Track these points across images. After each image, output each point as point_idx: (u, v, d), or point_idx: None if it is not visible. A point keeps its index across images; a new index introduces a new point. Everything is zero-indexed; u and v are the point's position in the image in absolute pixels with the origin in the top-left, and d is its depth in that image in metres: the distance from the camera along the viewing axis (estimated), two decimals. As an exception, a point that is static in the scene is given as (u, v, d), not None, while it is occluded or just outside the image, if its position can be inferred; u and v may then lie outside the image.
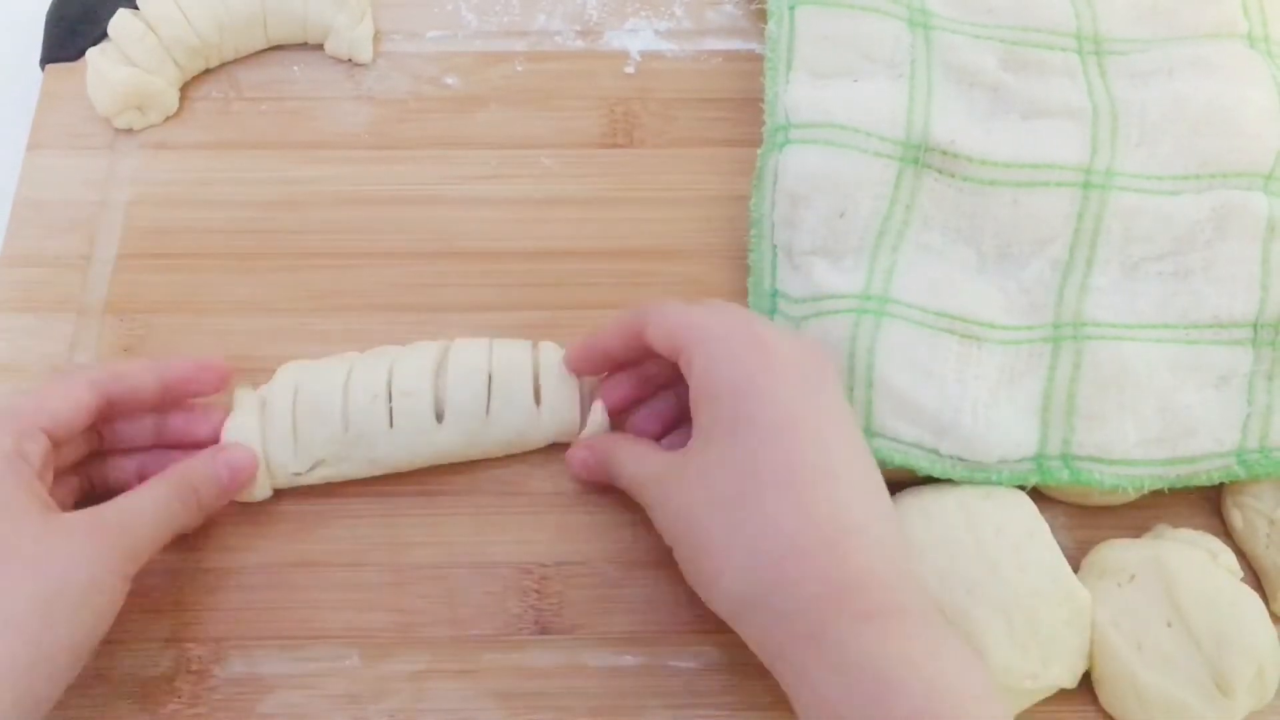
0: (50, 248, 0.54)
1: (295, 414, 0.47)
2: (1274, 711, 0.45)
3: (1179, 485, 0.47)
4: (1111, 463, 0.46)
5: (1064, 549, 0.45)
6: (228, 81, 0.58)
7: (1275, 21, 0.55)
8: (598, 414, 0.48)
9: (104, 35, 0.56)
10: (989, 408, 0.47)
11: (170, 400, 0.47)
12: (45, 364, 0.51)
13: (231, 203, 0.55)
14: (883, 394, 0.47)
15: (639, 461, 0.45)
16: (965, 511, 0.45)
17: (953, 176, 0.51)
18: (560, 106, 0.58)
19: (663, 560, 0.46)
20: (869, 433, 0.47)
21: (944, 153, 0.51)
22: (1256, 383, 0.48)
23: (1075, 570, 0.46)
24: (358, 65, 0.59)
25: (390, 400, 0.47)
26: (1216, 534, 0.47)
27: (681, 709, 0.45)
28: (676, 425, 0.48)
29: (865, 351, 0.47)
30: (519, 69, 0.59)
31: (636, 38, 0.60)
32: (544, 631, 0.47)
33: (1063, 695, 0.45)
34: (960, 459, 0.46)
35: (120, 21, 0.55)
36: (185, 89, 0.58)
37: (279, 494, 0.48)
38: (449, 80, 0.58)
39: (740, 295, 0.53)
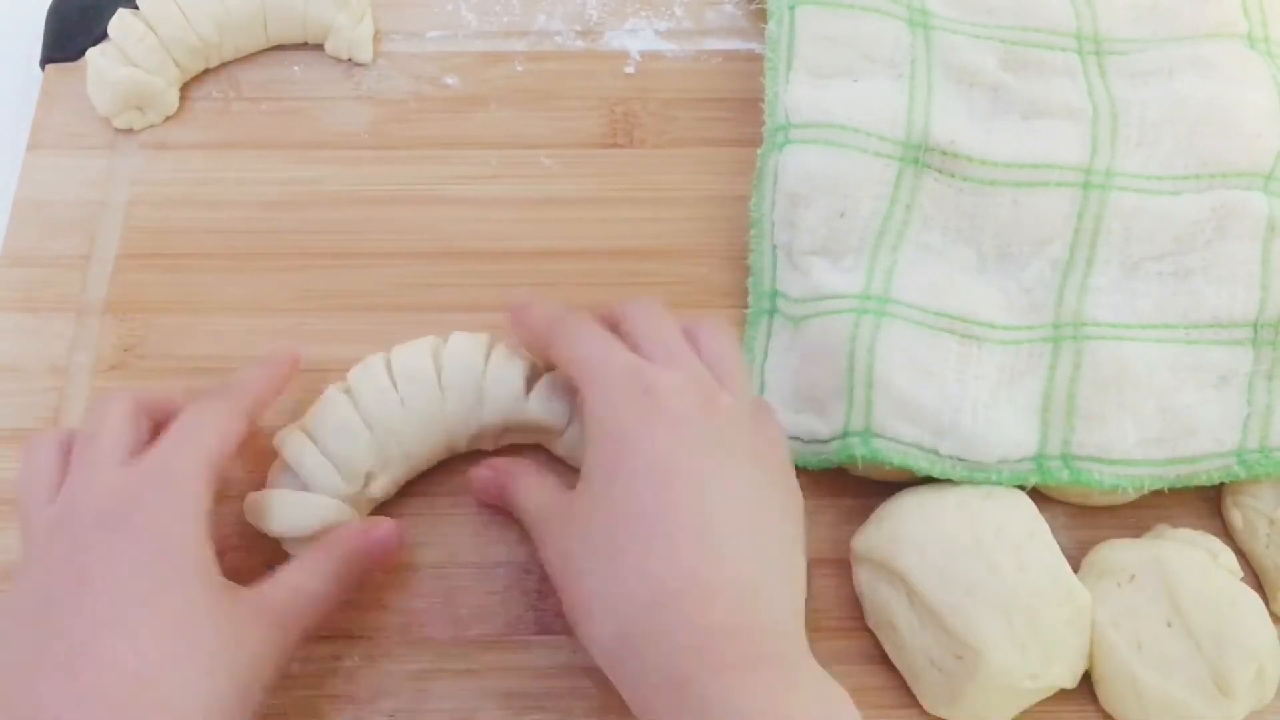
0: (50, 248, 0.54)
1: (322, 442, 0.46)
2: (1274, 711, 0.45)
3: (1179, 485, 0.47)
4: (1111, 463, 0.46)
5: (1064, 549, 0.45)
6: (228, 81, 0.58)
7: (1275, 21, 0.55)
8: (514, 383, 0.47)
9: (104, 35, 0.56)
10: (989, 408, 0.47)
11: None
12: (45, 364, 0.51)
13: (231, 203, 0.55)
14: (883, 394, 0.47)
15: (531, 495, 0.45)
16: (965, 511, 0.45)
17: (953, 176, 0.51)
18: (560, 106, 0.58)
19: (663, 560, 0.46)
20: (869, 433, 0.47)
21: (944, 153, 0.51)
22: (1256, 383, 0.48)
23: (1075, 570, 0.46)
24: (358, 65, 0.59)
25: (397, 389, 0.47)
26: (1216, 534, 0.47)
27: (681, 709, 0.45)
28: None
29: (865, 351, 0.47)
30: (519, 69, 0.59)
31: (636, 38, 0.60)
32: (544, 631, 0.47)
33: (1063, 695, 0.45)
34: (960, 459, 0.46)
35: (120, 21, 0.55)
36: (185, 89, 0.58)
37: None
38: (449, 80, 0.58)
39: (740, 295, 0.53)
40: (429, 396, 0.46)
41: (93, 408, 0.47)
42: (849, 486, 0.49)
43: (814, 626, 0.47)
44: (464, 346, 0.48)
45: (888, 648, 0.46)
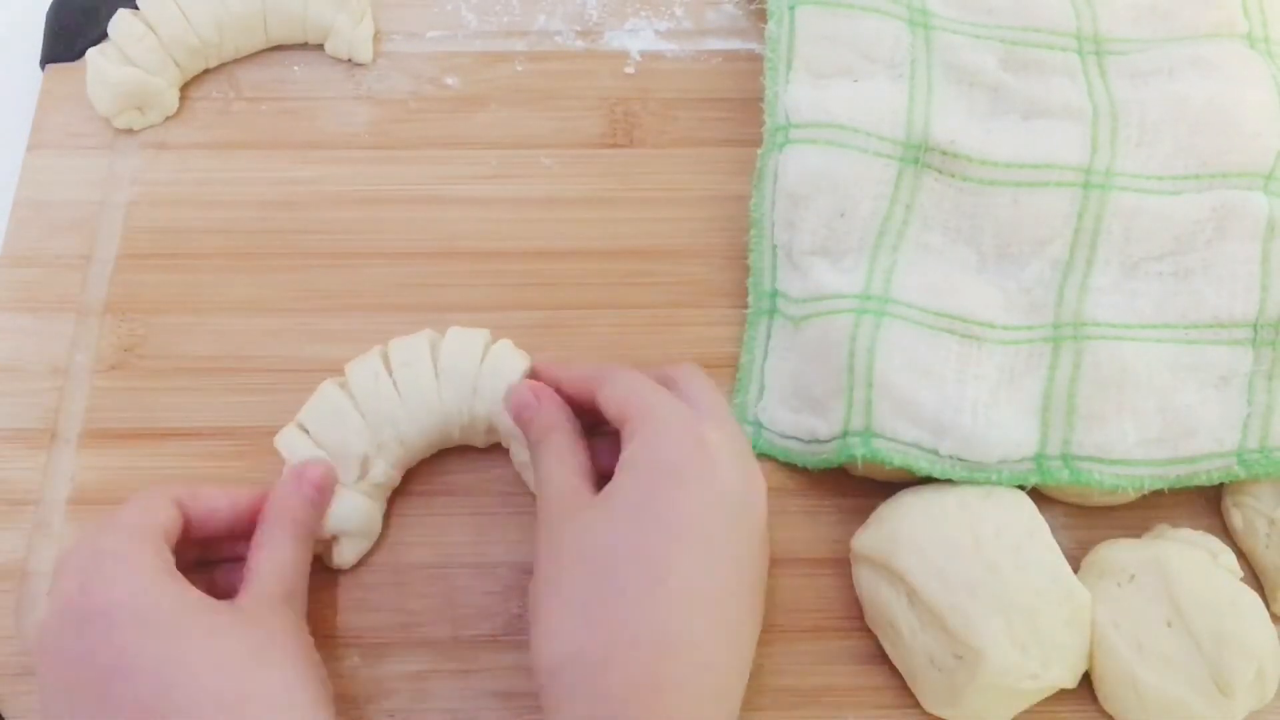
0: (50, 248, 0.54)
1: (315, 433, 0.46)
2: (1274, 711, 0.45)
3: (1179, 485, 0.47)
4: (1111, 463, 0.46)
5: (1064, 549, 0.45)
6: (228, 81, 0.58)
7: (1275, 21, 0.55)
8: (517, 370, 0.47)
9: (104, 35, 0.56)
10: (989, 408, 0.47)
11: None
12: (45, 364, 0.51)
13: (231, 203, 0.55)
14: (883, 394, 0.47)
15: (555, 464, 0.44)
16: (965, 511, 0.45)
17: (953, 176, 0.51)
18: (560, 106, 0.58)
19: (663, 560, 0.46)
20: (869, 433, 0.47)
21: (944, 153, 0.51)
22: (1256, 383, 0.48)
23: (1075, 570, 0.46)
24: (358, 65, 0.59)
25: (392, 374, 0.47)
26: (1216, 534, 0.47)
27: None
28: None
29: (865, 351, 0.47)
30: (519, 69, 0.59)
31: (636, 38, 0.60)
32: (544, 631, 0.47)
33: (1063, 695, 0.45)
34: (960, 459, 0.46)
35: (120, 21, 0.55)
36: (185, 89, 0.58)
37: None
38: (449, 80, 0.58)
39: (740, 295, 0.53)
40: (424, 383, 0.47)
41: None
42: (849, 486, 0.49)
43: (814, 626, 0.47)
44: (462, 337, 0.48)
45: (888, 648, 0.46)
